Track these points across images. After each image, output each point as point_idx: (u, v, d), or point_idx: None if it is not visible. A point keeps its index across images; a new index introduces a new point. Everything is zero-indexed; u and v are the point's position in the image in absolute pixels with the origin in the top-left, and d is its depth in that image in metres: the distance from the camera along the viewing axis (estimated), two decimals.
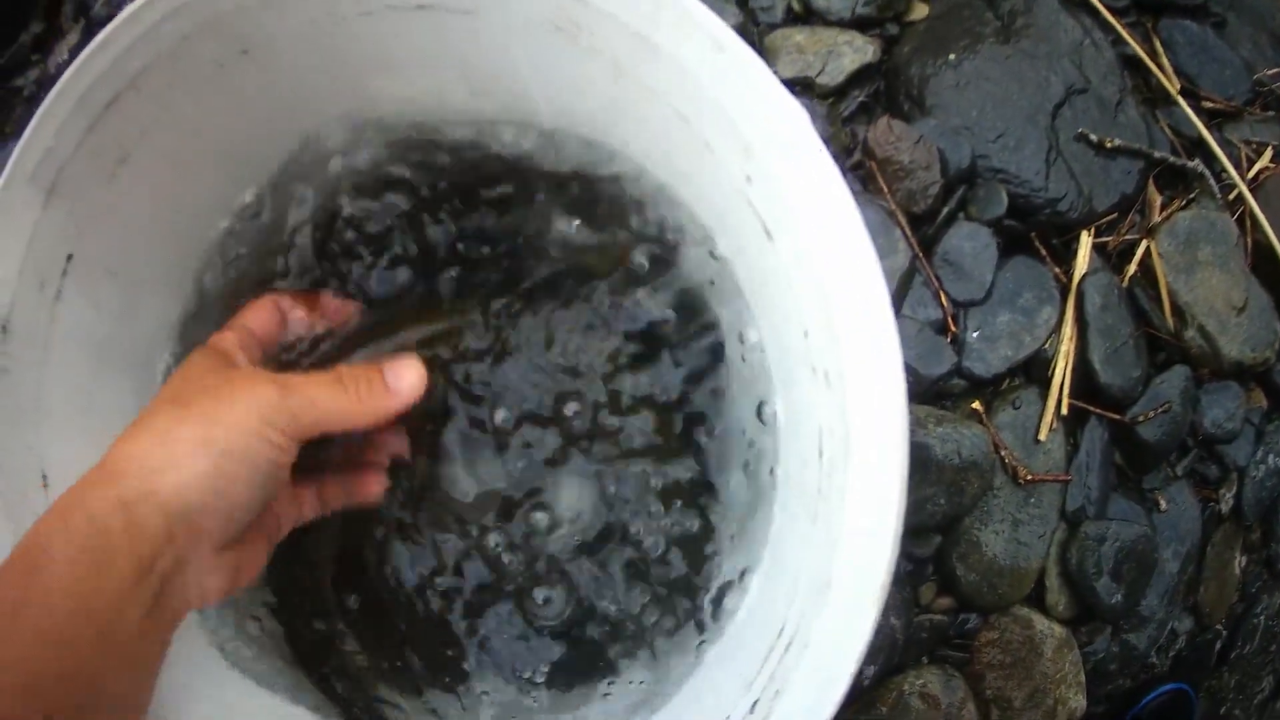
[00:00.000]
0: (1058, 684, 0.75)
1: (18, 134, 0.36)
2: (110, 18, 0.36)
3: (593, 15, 0.37)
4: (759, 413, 0.49)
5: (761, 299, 0.47)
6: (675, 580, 0.49)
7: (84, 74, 0.36)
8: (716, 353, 0.50)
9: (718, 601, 0.49)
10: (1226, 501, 0.84)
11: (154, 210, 0.43)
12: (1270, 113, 0.88)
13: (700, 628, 0.49)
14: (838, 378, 0.37)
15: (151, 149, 0.40)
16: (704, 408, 0.50)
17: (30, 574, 0.31)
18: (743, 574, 0.47)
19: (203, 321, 0.47)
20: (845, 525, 0.36)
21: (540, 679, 0.50)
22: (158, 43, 0.36)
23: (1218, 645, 0.89)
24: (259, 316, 0.44)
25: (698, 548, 0.49)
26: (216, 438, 0.35)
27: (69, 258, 0.40)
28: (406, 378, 0.42)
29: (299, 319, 0.46)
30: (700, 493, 0.50)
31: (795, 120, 0.34)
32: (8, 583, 0.31)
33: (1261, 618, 0.92)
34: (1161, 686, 0.84)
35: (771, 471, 0.49)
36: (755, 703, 0.38)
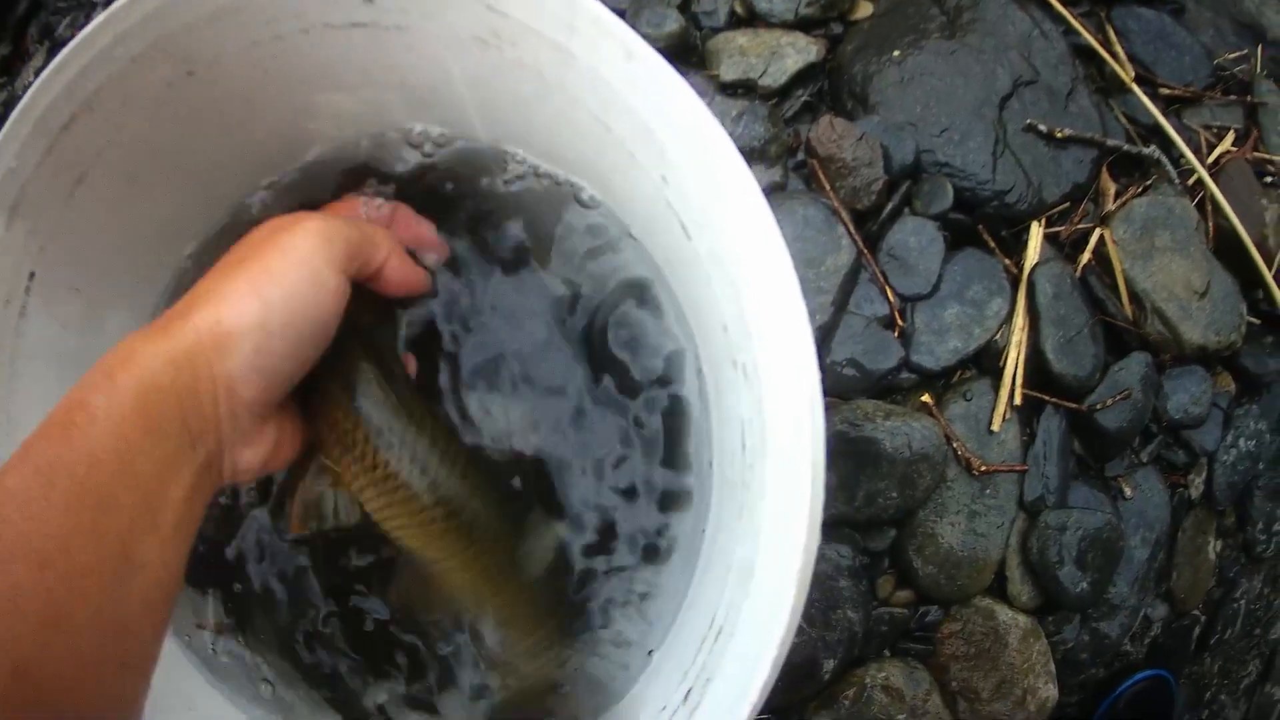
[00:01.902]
0: (1025, 673, 0.75)
1: None
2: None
3: (513, 26, 0.39)
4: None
5: (686, 295, 0.48)
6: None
7: (41, 96, 0.38)
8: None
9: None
10: (1196, 487, 0.83)
11: (114, 228, 0.44)
12: (1231, 96, 0.88)
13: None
14: (754, 371, 0.39)
15: (108, 168, 0.41)
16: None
17: (69, 431, 0.29)
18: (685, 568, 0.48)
19: None
20: (765, 516, 0.37)
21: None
22: (109, 65, 0.38)
23: (1196, 631, 0.89)
24: (341, 211, 0.44)
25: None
26: (266, 286, 0.34)
27: (31, 275, 0.41)
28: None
29: (377, 221, 0.45)
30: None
31: (706, 123, 0.35)
32: (45, 439, 0.29)
33: (1242, 602, 0.91)
34: (1138, 673, 0.84)
35: (710, 464, 0.50)
36: (689, 691, 0.39)
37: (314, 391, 0.39)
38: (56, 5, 0.90)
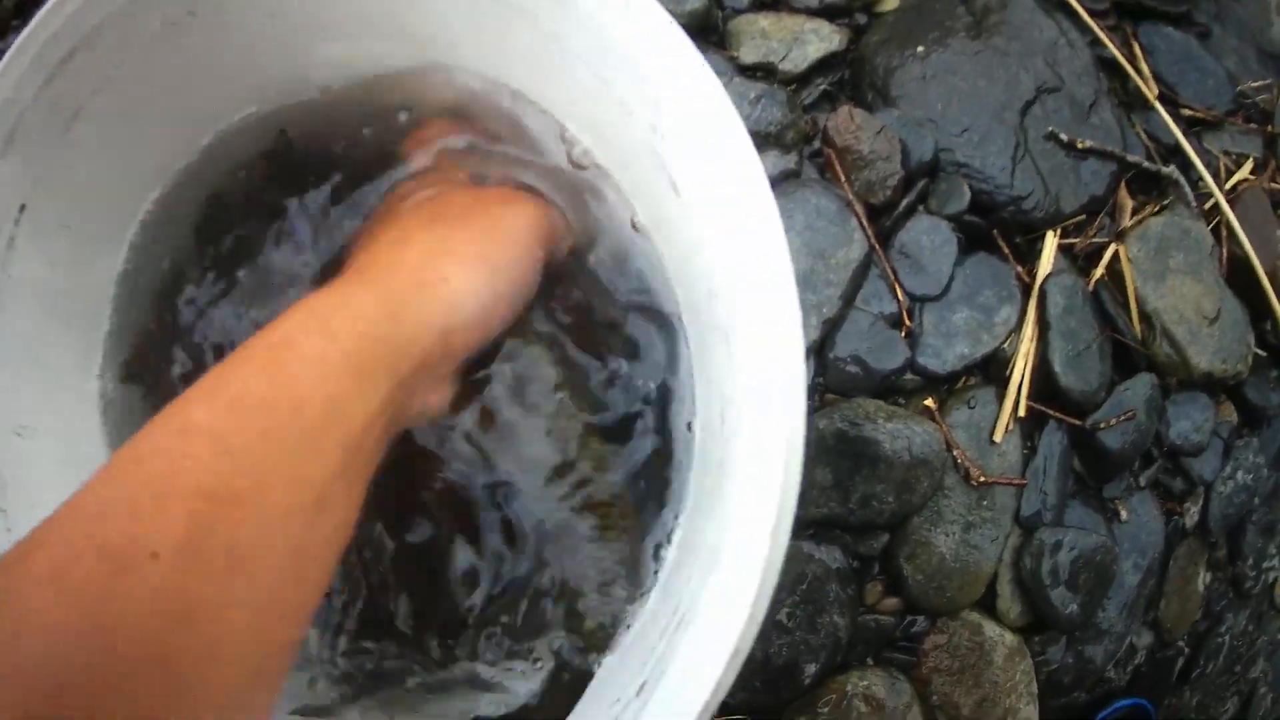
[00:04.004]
0: (1008, 693, 0.74)
1: None
2: None
3: None
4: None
5: (672, 255, 0.46)
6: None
7: (41, 30, 0.37)
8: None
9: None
10: (1191, 516, 0.82)
11: (107, 166, 0.44)
12: (1252, 125, 0.87)
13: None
14: (734, 340, 0.36)
15: (105, 106, 0.41)
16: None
17: (274, 370, 0.28)
18: (656, 550, 0.46)
19: (139, 279, 0.48)
20: (735, 499, 0.35)
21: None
22: (110, 1, 0.37)
23: (1179, 663, 0.87)
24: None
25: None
26: (495, 253, 0.36)
27: (22, 208, 0.41)
28: None
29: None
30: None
31: (702, 76, 0.34)
32: (244, 374, 0.28)
33: (1226, 637, 0.90)
34: (1119, 701, 0.83)
35: (690, 428, 0.47)
36: (644, 684, 0.37)
37: None
38: None
